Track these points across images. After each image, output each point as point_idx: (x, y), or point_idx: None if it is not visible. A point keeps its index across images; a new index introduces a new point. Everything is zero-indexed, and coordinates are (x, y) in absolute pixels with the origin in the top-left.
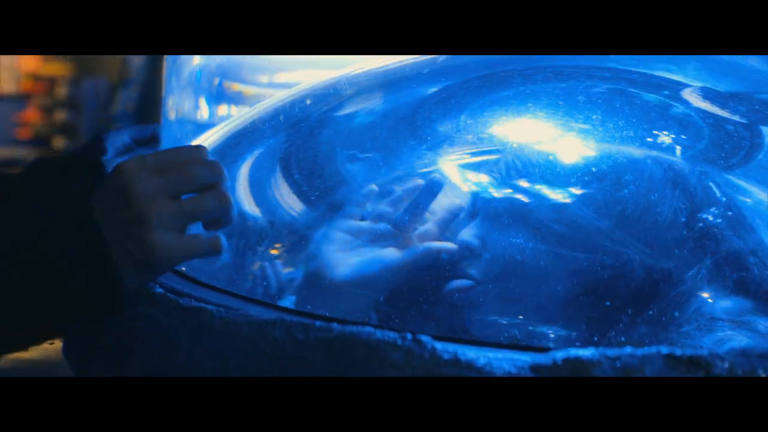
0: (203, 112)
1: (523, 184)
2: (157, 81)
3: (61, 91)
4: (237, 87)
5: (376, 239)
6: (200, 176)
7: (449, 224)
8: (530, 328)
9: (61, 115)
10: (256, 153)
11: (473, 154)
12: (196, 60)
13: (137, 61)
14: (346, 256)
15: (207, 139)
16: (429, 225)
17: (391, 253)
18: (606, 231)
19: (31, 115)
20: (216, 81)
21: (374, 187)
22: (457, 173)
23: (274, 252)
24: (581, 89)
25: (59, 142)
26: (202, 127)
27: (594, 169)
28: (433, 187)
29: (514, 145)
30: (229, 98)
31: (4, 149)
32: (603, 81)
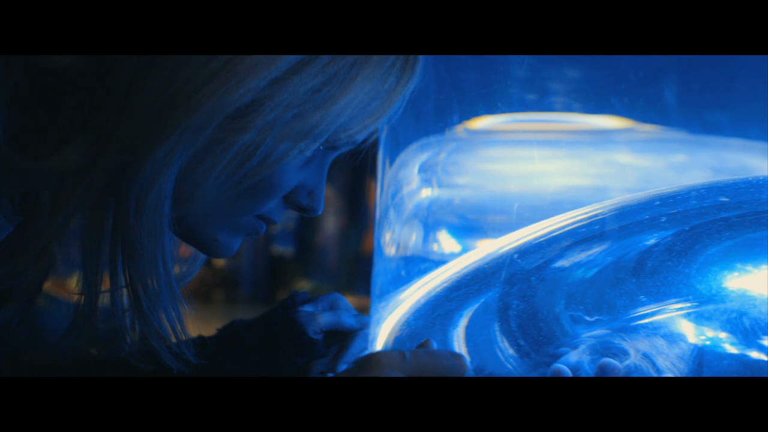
0: (444, 246)
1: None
2: None
3: None
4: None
5: None
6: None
7: None
8: None
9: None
10: (473, 308)
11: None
12: (425, 193)
13: None
14: None
15: (425, 285)
16: None
17: None
18: None
19: None
20: (470, 215)
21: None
22: (692, 327)
23: None
24: None
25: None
26: (433, 264)
27: None
28: None
29: (758, 299)
30: (473, 231)
31: None
32: None
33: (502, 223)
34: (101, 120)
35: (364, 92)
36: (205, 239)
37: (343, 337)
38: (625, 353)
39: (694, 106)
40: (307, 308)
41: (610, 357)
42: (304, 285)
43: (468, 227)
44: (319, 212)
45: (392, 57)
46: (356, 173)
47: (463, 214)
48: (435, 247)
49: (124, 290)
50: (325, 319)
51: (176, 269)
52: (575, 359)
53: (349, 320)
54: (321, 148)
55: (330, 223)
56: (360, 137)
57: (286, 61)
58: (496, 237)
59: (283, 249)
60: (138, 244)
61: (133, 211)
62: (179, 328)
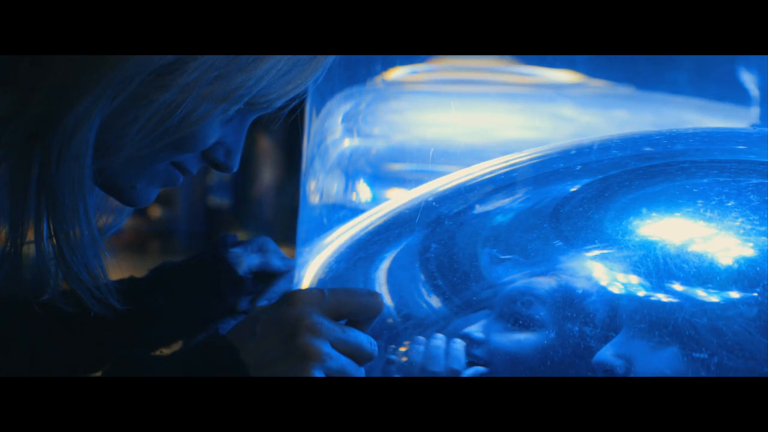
0: (362, 195)
1: (677, 287)
2: (255, 154)
3: None
4: (397, 167)
5: None
6: (364, 343)
7: None
8: None
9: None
10: (395, 251)
11: (617, 253)
12: (347, 143)
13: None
14: None
15: (348, 231)
16: None
17: None
18: None
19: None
20: (386, 165)
21: None
22: (605, 274)
23: (402, 349)
24: (736, 185)
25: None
26: (353, 212)
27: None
28: None
29: (665, 245)
30: (391, 180)
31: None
32: (759, 176)
33: (418, 171)
34: (25, 70)
35: (287, 58)
36: (123, 188)
37: (269, 277)
38: (547, 295)
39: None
40: (237, 250)
41: (530, 298)
42: (240, 235)
43: (384, 177)
44: (234, 170)
45: None
46: (293, 124)
47: (377, 163)
48: (354, 197)
49: (49, 239)
50: (253, 260)
51: (103, 220)
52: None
53: (276, 262)
54: (242, 108)
55: (266, 174)
56: (279, 103)
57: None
58: (412, 186)
59: (219, 200)
60: (60, 194)
61: (55, 161)
62: (101, 274)
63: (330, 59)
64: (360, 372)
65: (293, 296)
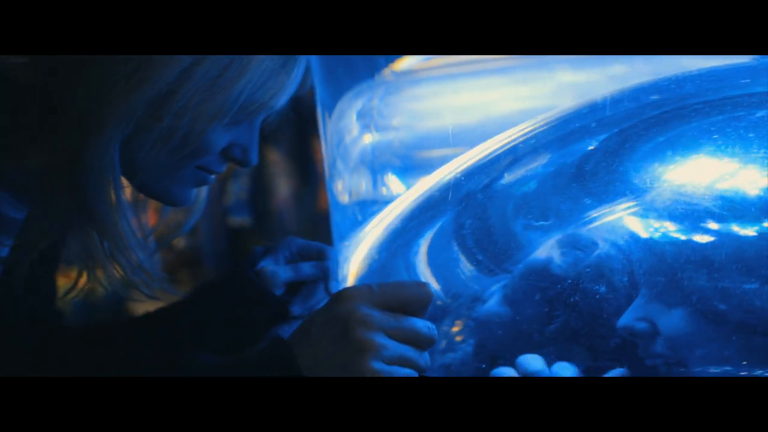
0: (393, 187)
1: (713, 225)
2: (266, 166)
3: None
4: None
5: None
6: (421, 328)
7: None
8: None
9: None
10: (430, 234)
11: (647, 202)
12: (367, 139)
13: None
14: None
15: (382, 221)
16: None
17: None
18: None
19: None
20: (411, 153)
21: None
22: (638, 223)
23: (455, 329)
24: (751, 117)
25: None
26: (386, 205)
27: None
28: None
29: (693, 187)
30: (420, 168)
31: None
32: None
33: (442, 156)
34: (53, 124)
35: (260, 71)
36: (161, 194)
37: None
38: (594, 244)
39: None
40: (268, 263)
41: (579, 250)
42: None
43: (412, 166)
44: (254, 164)
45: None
46: (299, 134)
47: (403, 154)
48: (384, 191)
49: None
50: (286, 273)
51: (161, 229)
52: (545, 255)
53: (307, 270)
54: (242, 114)
55: (282, 187)
56: (275, 103)
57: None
58: (439, 168)
59: (240, 220)
60: (102, 216)
61: (92, 192)
62: (155, 271)
63: (302, 62)
64: (423, 357)
65: (342, 294)
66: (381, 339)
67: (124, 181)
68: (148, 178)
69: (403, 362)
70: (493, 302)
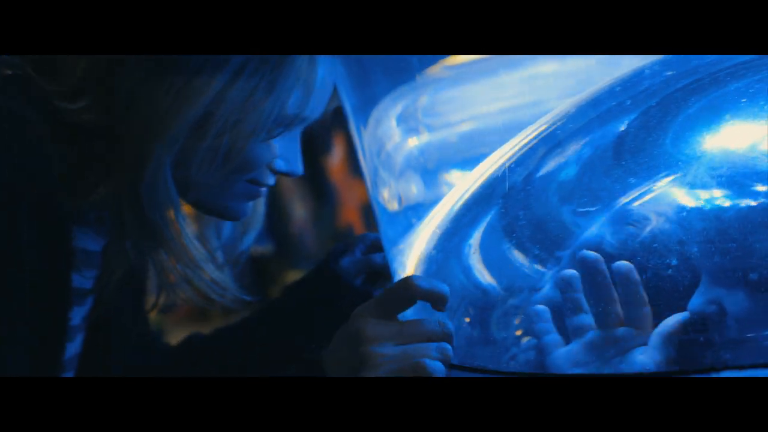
0: (456, 183)
1: (761, 188)
2: (279, 193)
3: None
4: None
5: None
6: (427, 325)
7: None
8: None
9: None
10: (479, 232)
11: (694, 172)
12: (412, 142)
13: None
14: None
15: (434, 218)
16: None
17: None
18: None
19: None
20: (469, 149)
21: None
22: (686, 195)
23: (517, 321)
24: None
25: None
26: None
27: None
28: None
29: (737, 151)
30: (464, 164)
31: None
32: None
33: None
34: (113, 157)
35: (286, 88)
36: (218, 209)
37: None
38: (646, 218)
39: None
40: (345, 260)
41: (631, 225)
42: (293, 276)
43: (470, 159)
44: (299, 173)
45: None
46: (308, 157)
47: (458, 152)
48: (444, 189)
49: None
50: (359, 265)
51: (227, 243)
52: (596, 232)
53: (380, 260)
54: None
55: (298, 210)
56: (308, 114)
57: (221, 78)
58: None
59: (261, 249)
60: (167, 242)
61: (156, 219)
62: (229, 282)
63: (317, 74)
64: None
65: (352, 315)
66: (383, 350)
67: (182, 201)
68: (201, 195)
69: (408, 364)
70: (546, 289)
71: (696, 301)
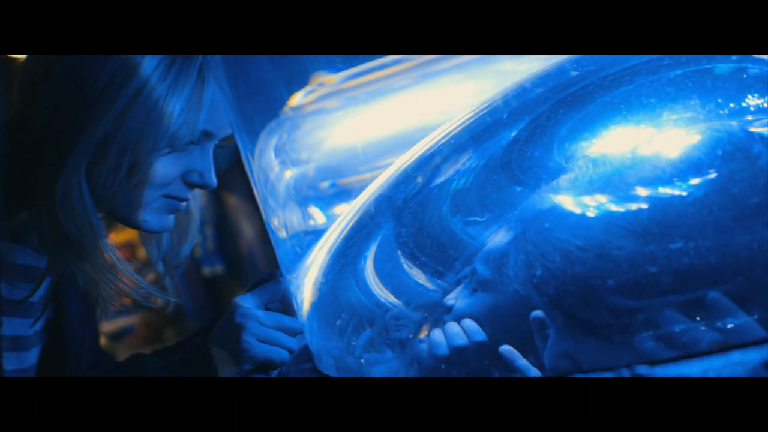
0: (317, 218)
1: (642, 191)
2: (227, 214)
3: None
4: (346, 181)
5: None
6: (286, 319)
7: None
8: None
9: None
10: (373, 247)
11: (577, 179)
12: (288, 174)
13: (203, 200)
14: None
15: (324, 245)
16: None
17: None
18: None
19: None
20: (325, 184)
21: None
22: (573, 203)
23: (422, 336)
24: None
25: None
26: (318, 234)
27: (720, 152)
28: None
29: (617, 157)
30: (341, 195)
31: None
32: (668, 69)
33: (360, 181)
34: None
35: (177, 110)
36: (138, 223)
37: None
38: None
39: None
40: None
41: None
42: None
43: (329, 195)
44: (213, 186)
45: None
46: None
47: (318, 184)
48: (312, 222)
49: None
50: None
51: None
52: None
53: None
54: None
55: (247, 229)
56: (217, 132)
57: (120, 101)
58: (360, 191)
59: (212, 269)
60: (91, 257)
61: (65, 222)
62: (139, 282)
63: (207, 97)
64: (291, 341)
65: (231, 302)
66: (253, 323)
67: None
68: (117, 208)
69: (273, 342)
70: (462, 303)
71: (548, 359)
